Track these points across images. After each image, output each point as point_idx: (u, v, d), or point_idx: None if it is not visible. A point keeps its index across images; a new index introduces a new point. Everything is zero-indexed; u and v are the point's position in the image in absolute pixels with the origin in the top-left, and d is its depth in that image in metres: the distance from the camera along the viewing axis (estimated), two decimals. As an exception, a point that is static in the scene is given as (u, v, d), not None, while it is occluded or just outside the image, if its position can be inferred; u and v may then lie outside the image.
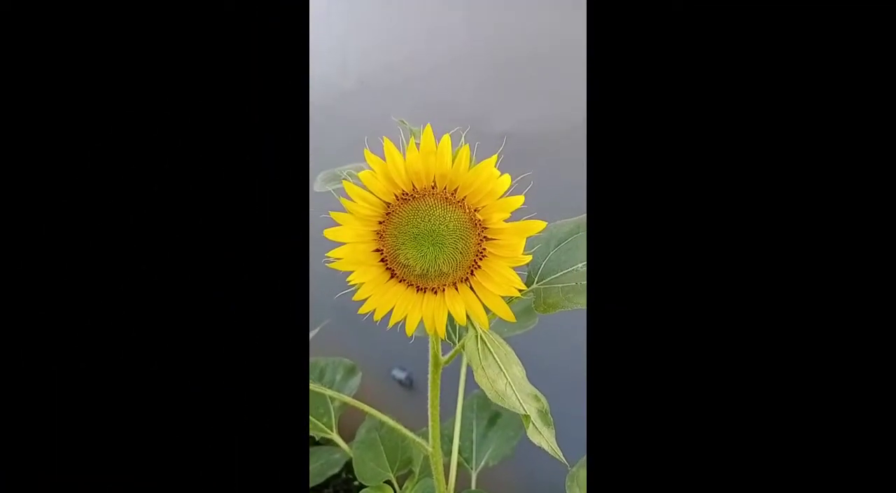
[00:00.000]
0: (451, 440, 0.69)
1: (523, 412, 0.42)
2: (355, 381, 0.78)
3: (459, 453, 0.67)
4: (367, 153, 0.38)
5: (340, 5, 1.24)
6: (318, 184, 0.53)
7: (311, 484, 0.75)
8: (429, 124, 0.38)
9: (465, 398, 0.68)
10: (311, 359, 0.79)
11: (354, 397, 0.78)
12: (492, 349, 0.46)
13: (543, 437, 0.42)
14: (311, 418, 0.72)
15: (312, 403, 0.73)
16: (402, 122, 0.48)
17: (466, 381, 0.68)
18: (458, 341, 0.52)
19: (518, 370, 0.47)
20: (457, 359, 0.55)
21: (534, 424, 0.42)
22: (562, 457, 0.42)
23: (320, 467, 0.77)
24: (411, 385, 1.39)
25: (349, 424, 0.79)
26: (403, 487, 0.65)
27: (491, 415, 0.88)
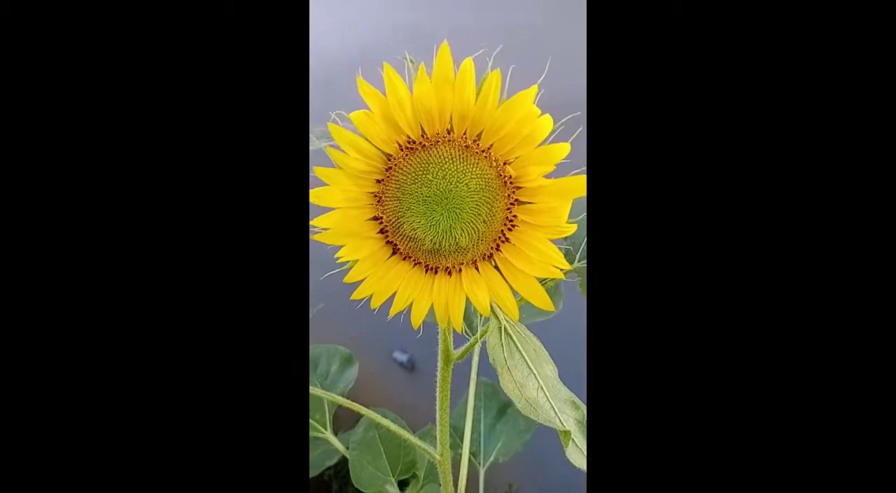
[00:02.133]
0: (457, 434, 0.61)
1: (561, 427, 0.33)
2: (352, 372, 0.70)
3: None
4: (362, 83, 0.28)
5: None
6: (313, 138, 0.43)
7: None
8: (445, 42, 0.27)
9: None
10: (302, 347, 0.70)
11: (353, 383, 0.70)
12: (519, 345, 0.37)
13: (581, 460, 0.33)
14: (301, 414, 0.63)
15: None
16: (409, 59, 0.38)
17: (478, 371, 0.59)
18: (474, 333, 0.43)
19: (550, 370, 0.38)
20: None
21: (574, 440, 0.33)
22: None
23: (318, 457, 0.70)
24: (413, 368, 1.32)
25: (348, 413, 0.71)
26: (406, 493, 0.57)
27: (500, 405, 0.79)
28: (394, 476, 0.59)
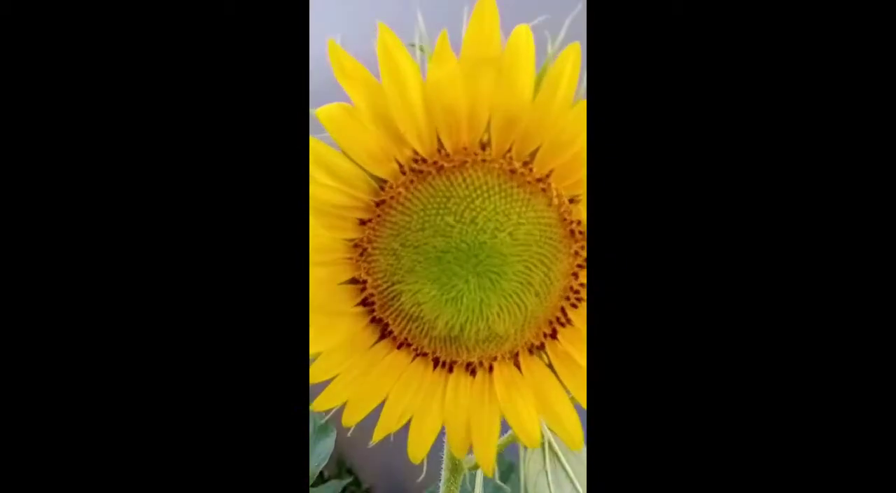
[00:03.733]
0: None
1: None
2: (328, 443, 0.57)
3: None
4: (337, 52, 0.16)
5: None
6: None
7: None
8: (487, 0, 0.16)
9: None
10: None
11: (328, 458, 0.57)
12: (568, 468, 0.24)
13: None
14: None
15: None
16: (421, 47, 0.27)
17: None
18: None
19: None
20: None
21: None
22: None
23: None
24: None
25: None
26: None
27: (505, 466, 0.66)
28: None
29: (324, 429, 0.57)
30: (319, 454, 0.56)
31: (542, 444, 0.24)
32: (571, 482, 0.24)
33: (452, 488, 0.32)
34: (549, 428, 0.20)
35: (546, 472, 0.24)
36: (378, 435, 0.20)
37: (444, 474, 0.31)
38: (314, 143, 0.17)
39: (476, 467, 0.31)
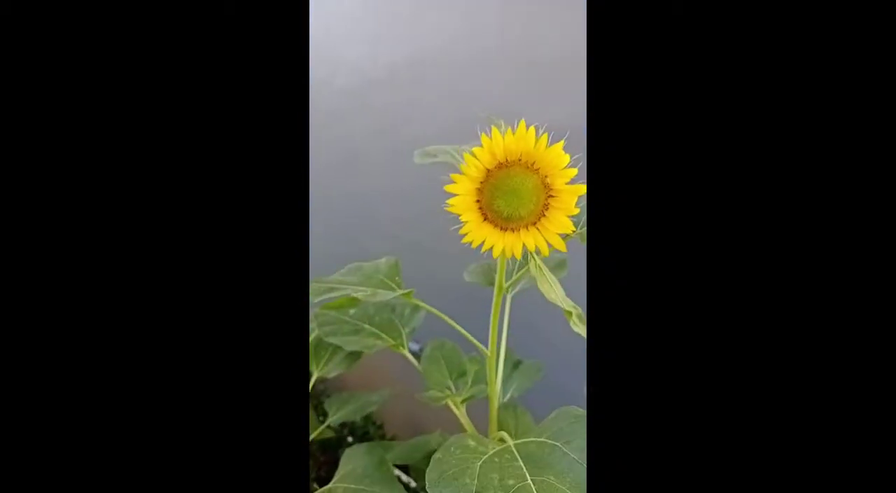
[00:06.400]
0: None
1: (569, 309, 0.64)
2: (420, 315, 1.00)
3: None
4: (484, 138, 0.60)
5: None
6: (417, 157, 0.75)
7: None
8: (522, 121, 0.59)
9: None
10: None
11: (420, 322, 0.99)
12: (546, 274, 0.68)
13: (580, 329, 0.64)
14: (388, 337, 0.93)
15: (391, 326, 0.94)
16: (491, 118, 0.69)
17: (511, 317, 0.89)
18: (514, 274, 0.74)
19: (559, 290, 0.69)
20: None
21: (574, 319, 0.64)
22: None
23: (360, 407, 1.00)
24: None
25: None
26: (459, 390, 0.88)
27: (514, 363, 1.10)
28: (451, 379, 0.90)
29: (416, 308, 1.01)
30: (417, 319, 0.99)
31: (537, 264, 0.68)
32: (545, 276, 0.67)
33: (498, 301, 0.76)
34: (538, 247, 0.64)
35: (540, 270, 0.67)
36: (484, 249, 0.64)
37: (494, 293, 0.75)
38: (471, 157, 0.61)
39: (509, 288, 0.75)
